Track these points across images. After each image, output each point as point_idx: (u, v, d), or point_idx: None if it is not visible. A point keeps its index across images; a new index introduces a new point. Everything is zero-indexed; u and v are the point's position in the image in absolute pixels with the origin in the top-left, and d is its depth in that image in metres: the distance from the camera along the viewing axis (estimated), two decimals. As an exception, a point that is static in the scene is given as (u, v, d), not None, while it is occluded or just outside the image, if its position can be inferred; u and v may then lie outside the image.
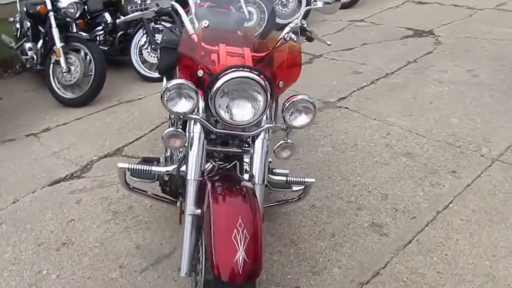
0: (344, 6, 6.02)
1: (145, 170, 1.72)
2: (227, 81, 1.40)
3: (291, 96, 1.54)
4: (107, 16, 4.34)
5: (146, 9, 1.67)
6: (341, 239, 2.08)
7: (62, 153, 3.12)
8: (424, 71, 3.91)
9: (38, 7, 3.88)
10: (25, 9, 4.18)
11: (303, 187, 1.87)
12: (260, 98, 1.45)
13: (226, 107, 1.46)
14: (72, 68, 3.86)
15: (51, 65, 3.93)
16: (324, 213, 2.26)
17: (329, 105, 3.43)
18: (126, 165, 1.72)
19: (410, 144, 2.81)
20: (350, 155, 2.74)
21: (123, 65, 4.50)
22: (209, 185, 1.44)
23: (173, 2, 1.71)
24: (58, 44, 3.78)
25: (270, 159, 1.64)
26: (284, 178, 1.89)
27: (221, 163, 1.73)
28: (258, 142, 1.59)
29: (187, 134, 1.55)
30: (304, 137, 2.99)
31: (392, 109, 3.28)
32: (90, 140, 3.25)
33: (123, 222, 2.32)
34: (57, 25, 3.81)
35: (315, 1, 1.88)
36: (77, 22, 4.08)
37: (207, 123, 1.51)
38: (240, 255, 1.21)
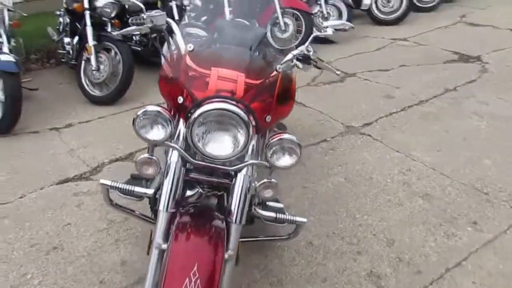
0: (389, 23, 5.75)
1: (127, 190, 1.65)
2: (205, 112, 1.30)
3: (277, 134, 1.42)
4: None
5: (142, 24, 1.60)
6: (332, 286, 1.92)
7: (77, 151, 3.16)
8: (462, 101, 3.62)
9: (75, 5, 3.97)
10: (64, 5, 4.30)
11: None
12: (241, 133, 1.34)
13: (203, 139, 1.36)
14: (102, 66, 3.91)
15: (83, 62, 4.01)
16: (321, 253, 2.10)
17: (351, 131, 3.24)
18: (108, 182, 1.66)
19: (431, 184, 2.58)
20: (362, 189, 2.56)
21: (157, 67, 4.52)
22: (176, 220, 1.35)
23: (168, 20, 1.63)
24: (91, 42, 3.84)
25: (274, 180, 1.49)
26: (273, 215, 1.76)
27: (209, 190, 1.63)
28: (239, 178, 1.48)
29: (166, 160, 1.47)
30: (317, 163, 2.83)
31: (419, 141, 3.05)
32: (106, 142, 3.26)
33: (115, 234, 2.28)
34: (93, 24, 3.88)
35: (326, 28, 1.74)
36: (113, 21, 4.14)
37: (184, 153, 1.42)
38: None
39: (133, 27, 1.65)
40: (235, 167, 1.46)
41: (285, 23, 5.23)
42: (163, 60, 1.56)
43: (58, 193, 2.65)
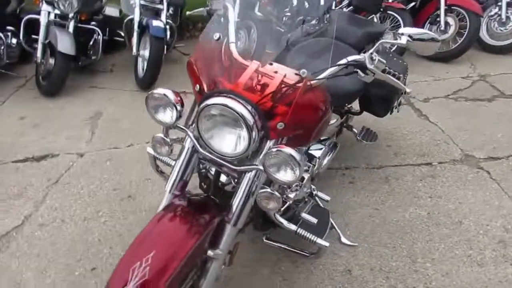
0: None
1: (166, 162, 1.77)
2: (208, 105, 1.27)
3: (280, 145, 1.29)
4: None
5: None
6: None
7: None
8: None
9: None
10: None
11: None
12: (242, 132, 1.26)
13: (210, 131, 1.33)
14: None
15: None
16: (354, 286, 1.86)
17: (468, 161, 2.70)
18: (152, 152, 1.78)
19: (539, 255, 2.00)
20: (442, 232, 2.14)
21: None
22: (168, 203, 1.39)
23: (227, 3, 1.58)
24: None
25: (276, 193, 1.39)
26: (293, 228, 1.64)
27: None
28: (244, 180, 1.40)
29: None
30: (406, 187, 2.48)
31: (553, 196, 2.37)
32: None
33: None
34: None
35: (401, 35, 1.45)
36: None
37: (194, 141, 1.41)
38: (134, 285, 1.13)
39: (200, 9, 1.67)
40: (240, 167, 1.39)
41: (446, 23, 4.61)
42: (198, 44, 1.54)
43: (155, 150, 2.96)
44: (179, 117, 1.37)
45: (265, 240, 1.85)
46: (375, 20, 3.80)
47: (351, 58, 1.43)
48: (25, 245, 2.14)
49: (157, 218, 1.33)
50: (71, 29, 4.03)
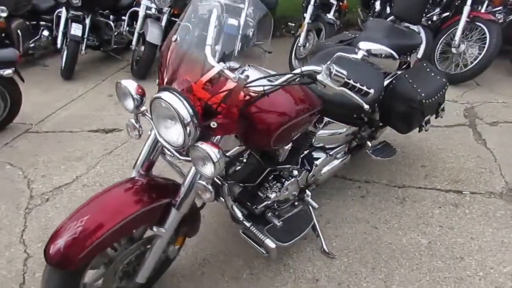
0: None
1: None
2: (155, 98, 1.43)
3: (210, 141, 1.39)
4: None
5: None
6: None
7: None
8: None
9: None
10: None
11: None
12: (178, 127, 1.40)
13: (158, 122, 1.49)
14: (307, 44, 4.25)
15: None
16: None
17: (509, 197, 2.39)
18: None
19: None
20: (435, 265, 1.98)
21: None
22: (128, 178, 1.61)
23: (213, 7, 1.69)
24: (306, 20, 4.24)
25: (209, 186, 1.51)
26: (247, 224, 1.75)
27: None
28: (190, 171, 1.55)
29: None
30: (418, 211, 2.32)
31: None
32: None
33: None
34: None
35: (359, 49, 1.43)
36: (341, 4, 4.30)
37: (154, 128, 1.57)
38: (62, 241, 1.38)
39: None
40: (184, 158, 1.54)
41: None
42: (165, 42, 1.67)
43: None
44: (139, 105, 1.57)
45: (241, 233, 1.96)
46: (419, 30, 3.47)
47: (306, 68, 1.46)
48: (66, 199, 2.59)
49: (108, 188, 1.55)
50: (164, 22, 4.55)
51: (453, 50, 3.82)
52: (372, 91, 1.46)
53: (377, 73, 2.21)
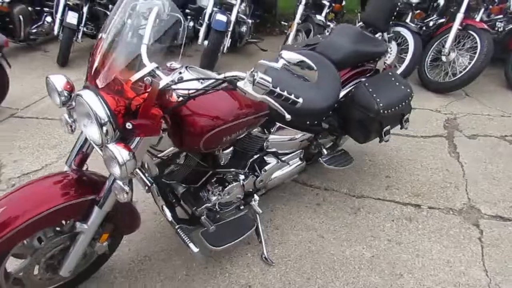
0: None
1: None
2: (76, 95, 1.43)
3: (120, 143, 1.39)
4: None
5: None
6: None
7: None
8: None
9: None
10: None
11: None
12: (94, 126, 1.40)
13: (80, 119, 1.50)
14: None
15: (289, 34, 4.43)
16: (243, 300, 1.86)
17: (468, 214, 2.33)
18: None
19: None
20: (371, 280, 1.94)
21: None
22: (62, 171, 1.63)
23: (155, 5, 1.68)
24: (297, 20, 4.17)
25: (126, 187, 1.51)
26: (175, 226, 1.75)
27: None
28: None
29: None
30: (372, 223, 2.28)
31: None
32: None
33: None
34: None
35: (280, 58, 1.41)
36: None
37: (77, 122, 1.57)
38: None
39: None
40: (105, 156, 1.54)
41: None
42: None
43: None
44: (66, 101, 1.57)
45: (176, 231, 1.95)
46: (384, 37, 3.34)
47: (229, 73, 1.44)
48: (29, 186, 2.64)
49: (38, 178, 1.57)
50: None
51: (443, 58, 3.70)
52: (300, 100, 1.43)
53: (333, 80, 2.17)
